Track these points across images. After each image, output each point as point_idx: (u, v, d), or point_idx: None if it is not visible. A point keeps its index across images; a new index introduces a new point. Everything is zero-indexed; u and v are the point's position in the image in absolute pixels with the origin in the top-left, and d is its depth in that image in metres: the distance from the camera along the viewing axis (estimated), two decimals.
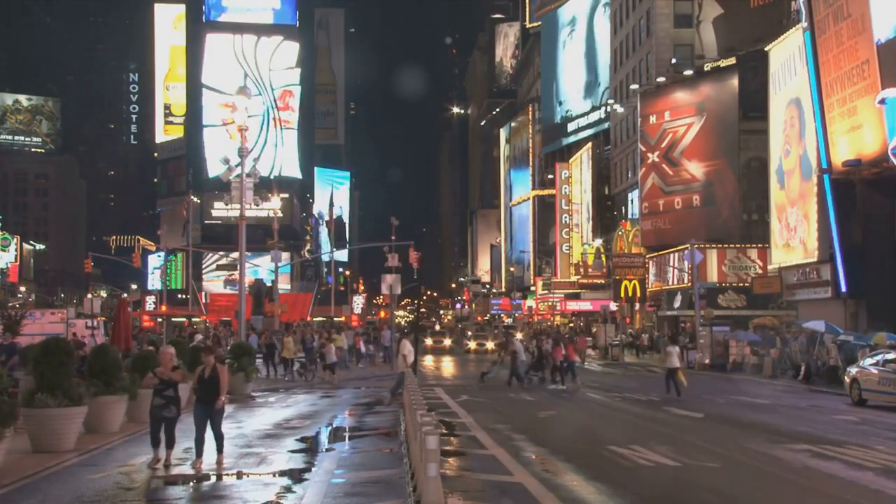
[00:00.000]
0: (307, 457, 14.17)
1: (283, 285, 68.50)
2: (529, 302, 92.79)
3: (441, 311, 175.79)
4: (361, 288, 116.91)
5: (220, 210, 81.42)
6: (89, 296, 66.56)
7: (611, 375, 36.72)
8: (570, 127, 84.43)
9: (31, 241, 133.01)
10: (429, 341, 59.30)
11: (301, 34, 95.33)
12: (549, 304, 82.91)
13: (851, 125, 34.60)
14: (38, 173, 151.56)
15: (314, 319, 67.44)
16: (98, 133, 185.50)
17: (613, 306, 62.38)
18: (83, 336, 32.01)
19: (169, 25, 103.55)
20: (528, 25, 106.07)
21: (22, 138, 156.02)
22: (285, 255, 58.90)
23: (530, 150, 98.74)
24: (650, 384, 30.85)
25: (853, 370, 23.49)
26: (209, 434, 12.43)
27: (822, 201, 37.64)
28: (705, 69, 54.52)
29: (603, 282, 67.60)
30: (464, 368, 41.21)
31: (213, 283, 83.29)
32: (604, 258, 68.50)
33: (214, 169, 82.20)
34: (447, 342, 61.26)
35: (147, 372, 17.87)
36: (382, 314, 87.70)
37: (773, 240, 44.55)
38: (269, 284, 66.55)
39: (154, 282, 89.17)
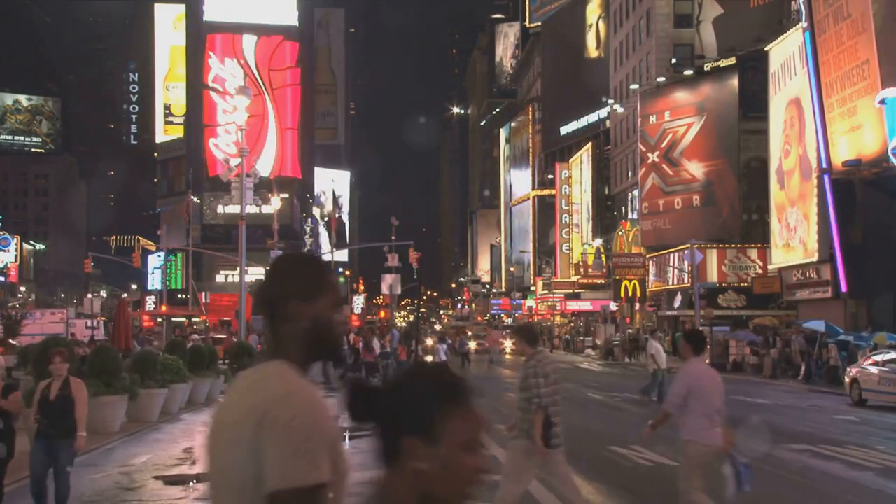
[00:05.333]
0: None
1: None
2: (529, 302, 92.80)
3: (441, 311, 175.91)
4: (361, 288, 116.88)
5: (220, 210, 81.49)
6: (89, 296, 66.67)
7: (611, 375, 36.70)
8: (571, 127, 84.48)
9: (31, 241, 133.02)
10: (429, 341, 59.37)
11: (301, 34, 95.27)
12: (549, 304, 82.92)
13: (851, 125, 34.62)
14: (38, 173, 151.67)
15: None
16: (98, 133, 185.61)
17: (613, 306, 62.36)
18: (84, 336, 32.06)
19: (169, 25, 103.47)
20: (528, 25, 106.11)
21: (22, 138, 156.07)
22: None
23: (530, 150, 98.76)
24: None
25: (853, 370, 23.49)
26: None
27: (822, 201, 37.65)
28: (705, 69, 54.51)
29: (603, 282, 67.60)
30: (464, 368, 41.21)
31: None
32: (604, 258, 68.49)
33: (214, 169, 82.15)
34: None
35: (148, 371, 17.97)
36: (382, 314, 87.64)
37: (773, 240, 44.57)
38: None
39: (154, 282, 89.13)
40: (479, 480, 1.85)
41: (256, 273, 69.32)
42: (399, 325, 71.52)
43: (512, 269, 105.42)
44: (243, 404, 2.09)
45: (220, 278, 79.99)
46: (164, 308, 65.94)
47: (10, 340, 26.88)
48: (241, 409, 2.08)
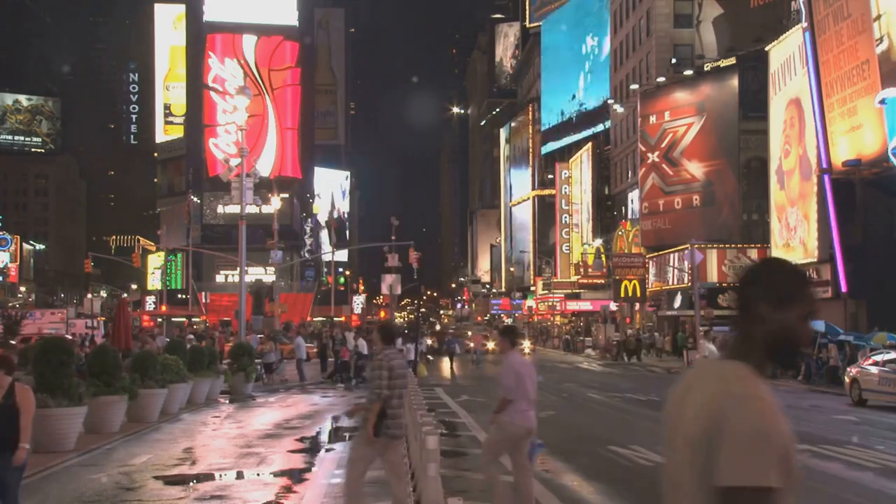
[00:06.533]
0: (307, 457, 14.17)
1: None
2: (529, 302, 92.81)
3: (441, 311, 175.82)
4: (361, 288, 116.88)
5: (220, 210, 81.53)
6: (89, 296, 66.63)
7: (610, 375, 36.73)
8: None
9: (31, 241, 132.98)
10: (429, 342, 59.49)
11: (301, 34, 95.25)
12: (549, 304, 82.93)
13: (851, 125, 34.61)
14: (38, 173, 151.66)
15: (314, 319, 67.53)
16: (98, 133, 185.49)
17: (613, 306, 62.35)
18: (83, 335, 32.05)
19: (169, 25, 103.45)
20: (528, 25, 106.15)
21: (22, 138, 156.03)
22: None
23: (530, 150, 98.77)
24: (650, 384, 30.85)
25: (853, 370, 23.49)
26: None
27: (822, 201, 37.63)
28: (705, 69, 54.52)
29: (603, 282, 67.60)
30: (464, 368, 41.24)
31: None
32: (604, 258, 68.49)
33: (214, 169, 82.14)
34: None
35: (148, 371, 17.96)
36: (382, 314, 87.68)
37: (773, 240, 44.56)
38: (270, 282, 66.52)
39: (154, 282, 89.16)
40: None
41: (256, 273, 69.51)
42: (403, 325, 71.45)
43: (512, 269, 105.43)
44: (701, 400, 2.24)
45: (220, 278, 79.94)
46: (164, 308, 65.99)
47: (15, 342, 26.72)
48: (699, 404, 2.24)
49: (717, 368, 2.32)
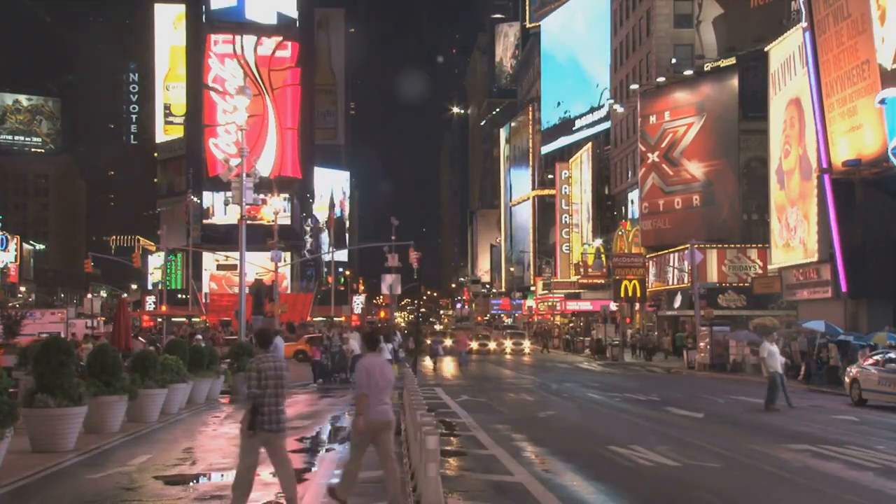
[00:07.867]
0: (307, 457, 14.17)
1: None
2: (529, 302, 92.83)
3: (441, 311, 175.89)
4: (361, 288, 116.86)
5: (220, 210, 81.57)
6: (89, 296, 66.61)
7: (611, 375, 36.73)
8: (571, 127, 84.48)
9: (31, 241, 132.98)
10: (429, 342, 59.54)
11: (301, 34, 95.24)
12: (549, 304, 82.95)
13: (851, 125, 34.60)
14: (38, 173, 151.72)
15: (314, 319, 67.53)
16: (98, 133, 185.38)
17: (613, 306, 62.27)
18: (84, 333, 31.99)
19: (169, 25, 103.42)
20: (528, 25, 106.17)
21: (22, 138, 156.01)
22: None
23: (530, 150, 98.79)
24: (650, 384, 30.86)
25: (853, 370, 23.48)
26: None
27: (822, 201, 37.64)
28: (705, 69, 54.54)
29: (603, 282, 67.61)
30: (454, 369, 41.23)
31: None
32: (604, 258, 68.51)
33: (214, 169, 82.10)
34: (447, 342, 61.57)
35: (148, 371, 17.94)
36: (382, 314, 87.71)
37: (773, 240, 44.55)
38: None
39: (154, 282, 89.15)
40: None
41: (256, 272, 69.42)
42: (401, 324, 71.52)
43: (512, 269, 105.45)
44: None
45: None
46: (164, 308, 65.96)
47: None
48: None
49: None
